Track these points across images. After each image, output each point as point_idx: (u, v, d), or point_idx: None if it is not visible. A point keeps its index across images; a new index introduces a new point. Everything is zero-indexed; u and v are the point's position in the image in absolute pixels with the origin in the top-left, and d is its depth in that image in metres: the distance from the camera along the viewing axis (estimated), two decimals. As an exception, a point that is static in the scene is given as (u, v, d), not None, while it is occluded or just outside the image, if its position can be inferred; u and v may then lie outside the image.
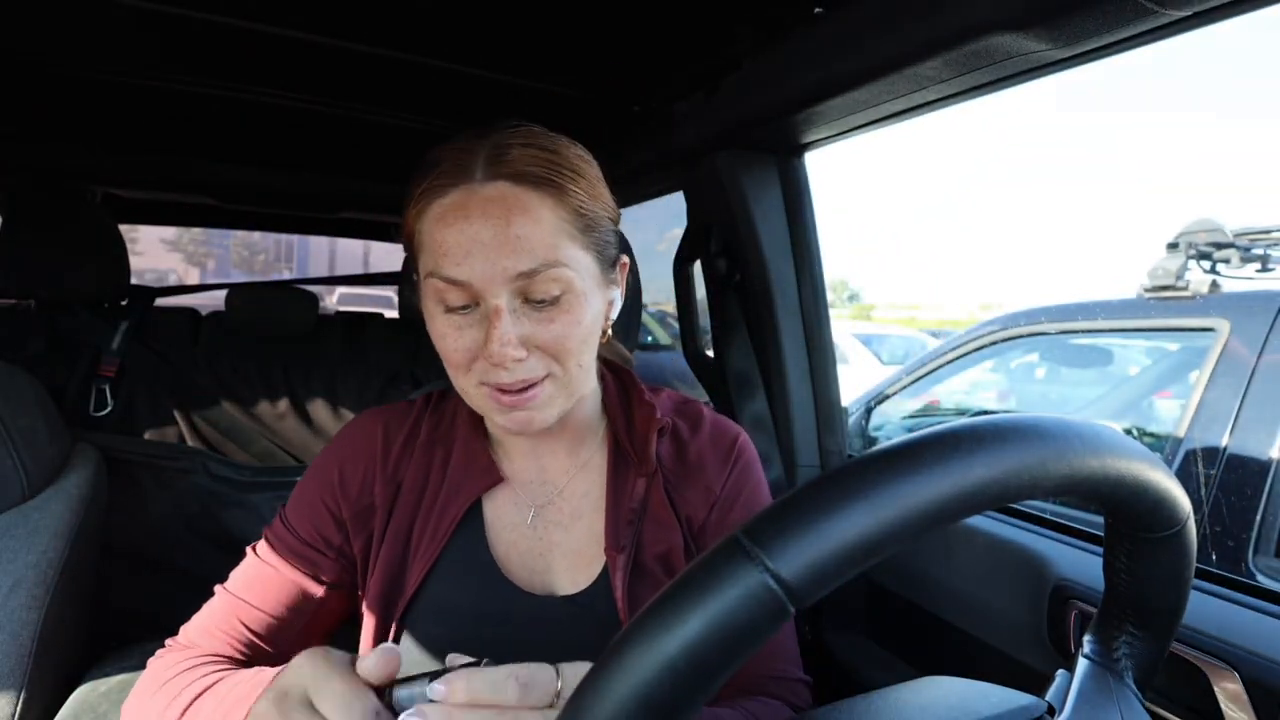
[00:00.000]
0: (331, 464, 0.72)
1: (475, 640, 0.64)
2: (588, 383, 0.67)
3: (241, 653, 0.68)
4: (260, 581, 0.69)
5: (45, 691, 0.95)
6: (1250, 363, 1.34)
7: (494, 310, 0.58)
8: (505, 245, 0.57)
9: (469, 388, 0.63)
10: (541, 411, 0.62)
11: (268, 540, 0.71)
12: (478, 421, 0.73)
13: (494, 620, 0.66)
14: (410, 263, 0.66)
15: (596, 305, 0.64)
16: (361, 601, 0.70)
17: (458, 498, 0.69)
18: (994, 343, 2.03)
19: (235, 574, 0.71)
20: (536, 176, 0.58)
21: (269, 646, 0.68)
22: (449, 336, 0.61)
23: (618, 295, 0.69)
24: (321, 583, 0.69)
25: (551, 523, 0.71)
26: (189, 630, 0.69)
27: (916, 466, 0.30)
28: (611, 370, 0.78)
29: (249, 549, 0.71)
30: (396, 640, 0.66)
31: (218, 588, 0.70)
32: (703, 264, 1.26)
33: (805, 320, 1.18)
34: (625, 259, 0.70)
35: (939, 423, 0.34)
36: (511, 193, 0.58)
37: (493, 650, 0.65)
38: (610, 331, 0.70)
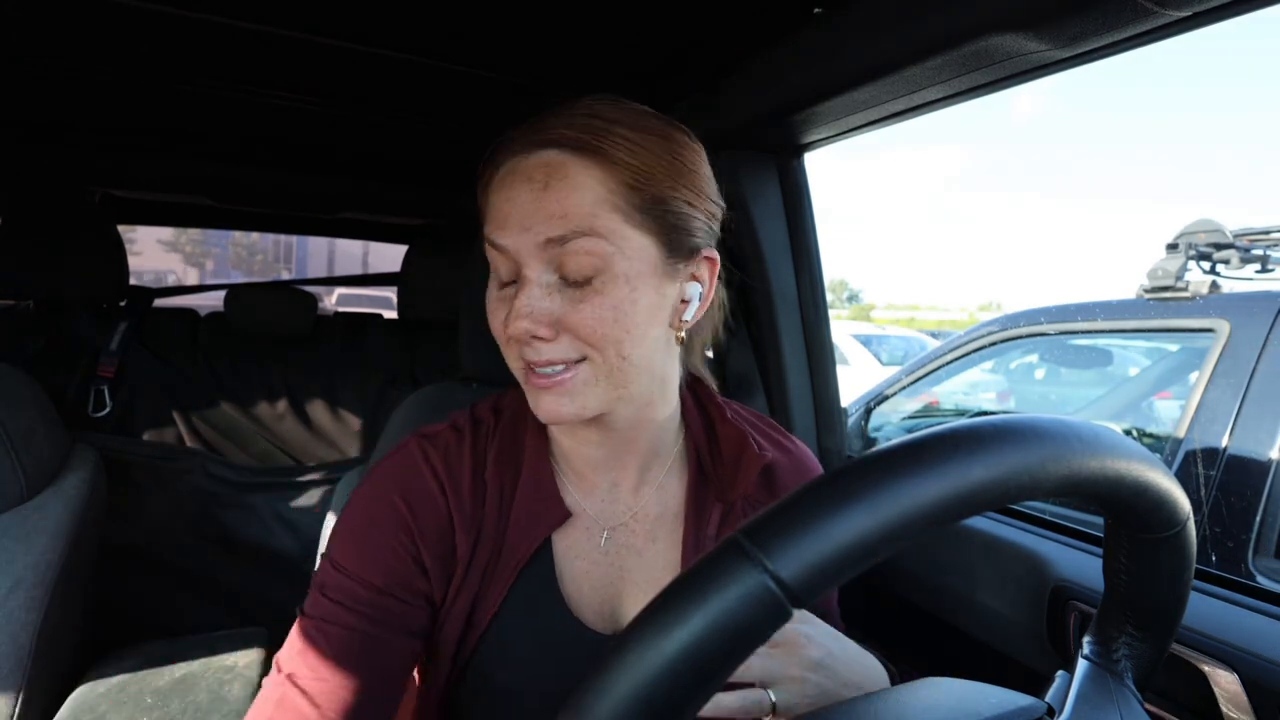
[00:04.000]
0: (391, 500, 0.62)
1: (542, 682, 0.60)
2: (641, 381, 0.59)
3: None
4: (343, 652, 0.56)
5: (44, 692, 0.95)
6: (1250, 364, 1.34)
7: (523, 280, 0.55)
8: (539, 210, 0.54)
9: (511, 366, 0.60)
10: (573, 400, 0.57)
11: (324, 603, 0.58)
12: (543, 444, 0.66)
13: (562, 662, 0.60)
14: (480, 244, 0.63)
15: (647, 296, 0.56)
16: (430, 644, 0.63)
17: (527, 535, 0.62)
18: (993, 343, 2.03)
19: (290, 654, 0.56)
20: (578, 143, 0.55)
21: None
22: (495, 311, 0.58)
23: (695, 291, 0.61)
24: (414, 635, 0.60)
25: (625, 547, 0.65)
26: None
27: (916, 467, 0.30)
28: (688, 383, 0.70)
29: (299, 617, 0.58)
30: (459, 682, 0.61)
31: (269, 679, 0.56)
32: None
33: (805, 320, 1.18)
34: (713, 254, 0.61)
35: (938, 423, 0.34)
36: (555, 159, 0.55)
37: (560, 693, 0.61)
38: (687, 335, 0.63)
